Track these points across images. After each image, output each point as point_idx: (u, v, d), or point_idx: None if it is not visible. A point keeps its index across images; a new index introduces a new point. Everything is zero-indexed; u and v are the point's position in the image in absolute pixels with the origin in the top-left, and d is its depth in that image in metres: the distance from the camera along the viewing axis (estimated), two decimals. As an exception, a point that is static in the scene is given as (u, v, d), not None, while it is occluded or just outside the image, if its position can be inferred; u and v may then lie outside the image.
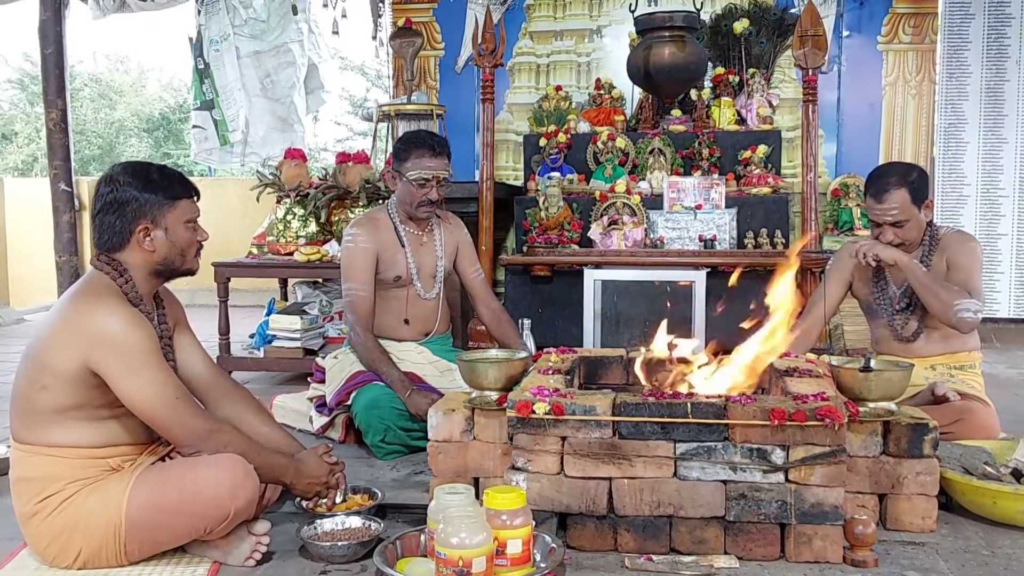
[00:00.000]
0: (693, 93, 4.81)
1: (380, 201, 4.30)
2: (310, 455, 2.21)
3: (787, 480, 1.98)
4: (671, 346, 2.33)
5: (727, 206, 4.30)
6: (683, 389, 2.19)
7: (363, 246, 3.07)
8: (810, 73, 4.00)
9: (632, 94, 5.27)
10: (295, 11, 5.90)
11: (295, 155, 4.65)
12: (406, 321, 3.17)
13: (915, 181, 2.77)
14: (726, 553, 2.00)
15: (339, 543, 2.03)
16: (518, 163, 5.66)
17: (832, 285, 3.01)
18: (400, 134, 5.10)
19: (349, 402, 2.98)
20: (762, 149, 4.49)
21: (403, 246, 3.13)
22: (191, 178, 2.16)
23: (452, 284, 3.46)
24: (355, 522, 2.13)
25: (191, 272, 2.11)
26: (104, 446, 1.95)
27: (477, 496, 1.98)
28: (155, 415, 1.92)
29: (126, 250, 2.00)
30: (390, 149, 5.25)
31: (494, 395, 2.22)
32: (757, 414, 1.97)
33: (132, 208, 1.97)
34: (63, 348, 1.87)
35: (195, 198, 2.08)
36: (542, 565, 1.85)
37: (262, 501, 2.12)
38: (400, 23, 5.81)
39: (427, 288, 3.19)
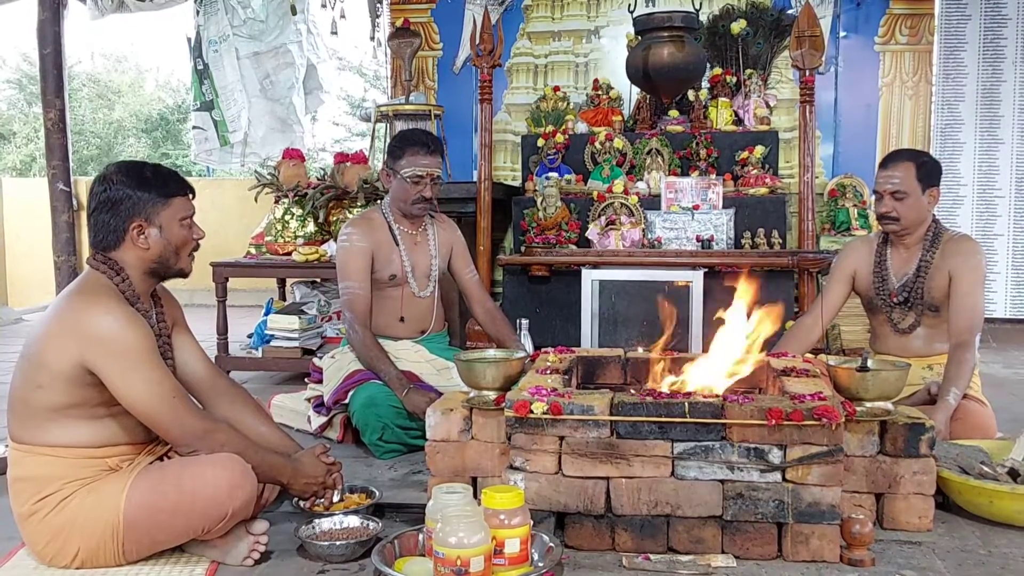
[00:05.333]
0: (691, 94, 4.82)
1: (378, 201, 4.31)
2: (307, 455, 2.21)
3: (784, 479, 1.98)
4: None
5: (724, 206, 4.30)
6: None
7: (358, 245, 3.08)
8: (807, 74, 4.01)
9: (630, 95, 5.28)
10: (294, 11, 5.90)
11: (293, 155, 4.66)
12: (401, 319, 3.19)
13: (925, 163, 2.86)
14: (723, 552, 2.01)
15: (337, 542, 2.03)
16: (516, 163, 5.67)
17: (835, 283, 3.03)
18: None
19: (347, 401, 2.99)
20: (759, 149, 4.50)
21: (397, 245, 3.15)
22: (189, 178, 2.16)
23: (450, 283, 3.47)
24: (353, 521, 2.13)
25: (183, 274, 2.10)
26: (101, 446, 1.95)
27: (475, 495, 1.98)
28: (151, 414, 1.91)
29: (121, 248, 1.99)
30: (388, 149, 5.27)
31: (492, 395, 2.23)
32: (754, 414, 1.97)
33: (126, 206, 1.97)
34: (59, 347, 1.87)
35: (190, 196, 2.07)
36: (540, 564, 1.85)
37: (260, 501, 2.12)
38: (398, 23, 5.81)
39: (421, 287, 3.20)
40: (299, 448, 2.27)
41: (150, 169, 2.04)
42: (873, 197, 2.94)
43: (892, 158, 2.90)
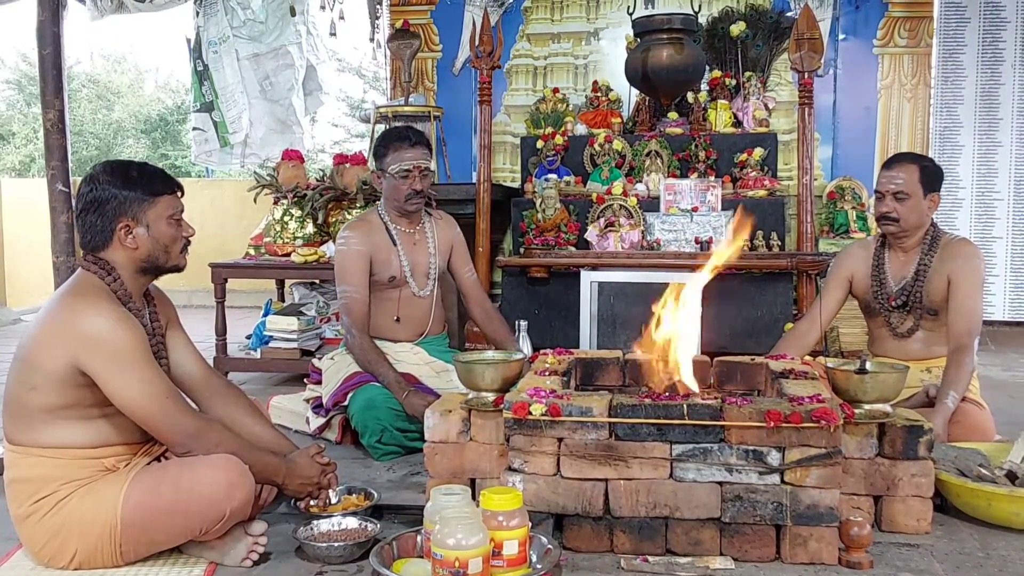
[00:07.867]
0: (690, 96, 4.83)
1: (377, 202, 4.31)
2: (302, 455, 2.21)
3: (783, 482, 1.98)
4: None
5: (723, 208, 4.30)
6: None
7: (356, 249, 3.08)
8: (806, 76, 4.01)
9: (629, 96, 5.28)
10: (293, 13, 5.90)
11: (292, 156, 4.66)
12: (397, 319, 3.18)
13: (927, 167, 2.89)
14: (722, 554, 2.01)
15: (335, 544, 2.03)
16: (515, 165, 5.67)
17: (832, 287, 3.03)
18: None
19: (346, 403, 2.98)
20: (758, 152, 4.50)
21: (395, 246, 3.14)
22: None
23: (449, 286, 3.47)
24: (351, 523, 2.13)
25: (178, 269, 2.09)
26: (97, 446, 1.95)
27: (473, 497, 1.98)
28: (144, 414, 1.91)
29: (110, 249, 1.99)
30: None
31: (491, 396, 2.22)
32: (753, 416, 1.97)
33: (112, 206, 1.96)
34: (51, 348, 1.87)
35: (178, 194, 2.06)
36: (538, 566, 1.85)
37: (258, 501, 2.12)
38: (398, 25, 5.81)
39: (421, 287, 3.19)
40: (295, 448, 2.27)
41: (136, 168, 2.02)
42: (873, 198, 2.94)
43: (896, 159, 2.93)
